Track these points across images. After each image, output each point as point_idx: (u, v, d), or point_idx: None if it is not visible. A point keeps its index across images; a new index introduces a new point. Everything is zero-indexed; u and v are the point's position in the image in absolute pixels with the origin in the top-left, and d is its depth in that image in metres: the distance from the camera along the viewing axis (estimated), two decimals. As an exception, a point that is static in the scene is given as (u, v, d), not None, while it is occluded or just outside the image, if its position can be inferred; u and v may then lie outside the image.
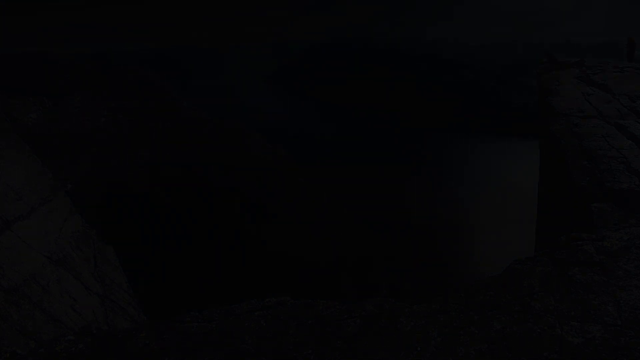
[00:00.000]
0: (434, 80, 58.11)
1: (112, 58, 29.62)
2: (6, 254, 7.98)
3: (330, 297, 6.20)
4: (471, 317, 4.89)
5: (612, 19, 79.63)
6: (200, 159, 24.85)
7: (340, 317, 5.11)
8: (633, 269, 5.53)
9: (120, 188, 21.39)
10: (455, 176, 35.02)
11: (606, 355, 4.21)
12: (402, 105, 55.48)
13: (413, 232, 26.56)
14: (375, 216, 28.25)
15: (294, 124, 49.32)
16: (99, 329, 5.31)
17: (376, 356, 4.47)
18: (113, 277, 11.07)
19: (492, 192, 31.42)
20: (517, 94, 50.99)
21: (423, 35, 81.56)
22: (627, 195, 8.04)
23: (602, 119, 12.13)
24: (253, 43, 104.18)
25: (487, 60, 62.61)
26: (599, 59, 22.29)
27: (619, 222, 7.15)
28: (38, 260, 8.64)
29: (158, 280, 18.65)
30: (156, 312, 13.12)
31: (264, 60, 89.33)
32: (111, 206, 20.42)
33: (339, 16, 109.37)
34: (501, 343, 4.47)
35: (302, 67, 75.63)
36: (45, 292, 8.21)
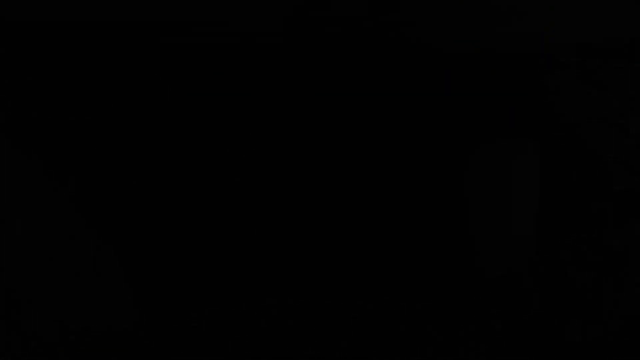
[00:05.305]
0: (431, 80, 58.42)
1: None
2: (6, 254, 8.00)
3: (331, 297, 6.19)
4: (471, 317, 4.90)
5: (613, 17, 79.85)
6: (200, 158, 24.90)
7: (341, 316, 5.12)
8: (633, 269, 5.54)
9: (120, 188, 21.45)
10: (455, 176, 35.20)
11: (606, 355, 4.21)
12: (400, 105, 55.74)
13: (413, 231, 26.69)
14: (375, 216, 28.39)
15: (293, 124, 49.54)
16: (99, 329, 5.31)
17: (376, 356, 4.48)
18: (113, 277, 11.10)
19: (492, 192, 31.57)
20: (517, 94, 51.20)
21: (419, 35, 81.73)
22: (627, 195, 8.05)
23: (602, 119, 12.16)
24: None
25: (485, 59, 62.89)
26: (599, 59, 22.32)
27: (619, 222, 7.16)
28: (38, 260, 8.67)
29: (158, 279, 18.70)
30: (156, 312, 13.13)
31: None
32: (111, 206, 20.48)
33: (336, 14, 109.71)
34: (501, 343, 4.47)
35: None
36: (46, 292, 8.23)
